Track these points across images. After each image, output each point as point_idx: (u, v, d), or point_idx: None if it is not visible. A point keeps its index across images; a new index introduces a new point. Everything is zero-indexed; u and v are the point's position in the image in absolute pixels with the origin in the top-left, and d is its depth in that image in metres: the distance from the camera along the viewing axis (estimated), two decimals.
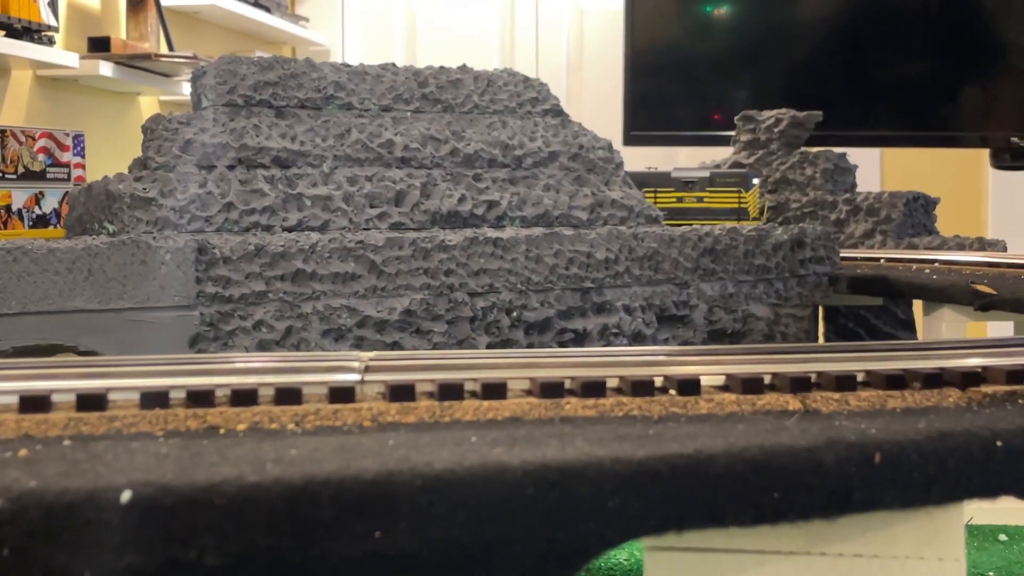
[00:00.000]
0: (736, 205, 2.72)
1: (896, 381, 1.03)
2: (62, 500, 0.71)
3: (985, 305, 2.04)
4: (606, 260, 2.02)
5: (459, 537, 0.76)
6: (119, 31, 3.76)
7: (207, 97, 1.93)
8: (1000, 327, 2.74)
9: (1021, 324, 2.27)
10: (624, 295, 2.05)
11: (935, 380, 1.04)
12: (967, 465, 0.90)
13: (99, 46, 3.42)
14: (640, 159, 3.26)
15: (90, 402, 0.92)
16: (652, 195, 2.76)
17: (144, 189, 1.80)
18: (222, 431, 0.90)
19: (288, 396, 0.94)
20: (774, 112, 2.97)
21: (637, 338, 2.04)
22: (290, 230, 1.86)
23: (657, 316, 2.09)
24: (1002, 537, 1.83)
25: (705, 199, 2.73)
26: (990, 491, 0.92)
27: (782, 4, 3.59)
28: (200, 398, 0.92)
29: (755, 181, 2.78)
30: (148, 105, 4.01)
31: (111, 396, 0.94)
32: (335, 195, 1.91)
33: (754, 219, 2.73)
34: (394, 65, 2.13)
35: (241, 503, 0.73)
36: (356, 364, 1.00)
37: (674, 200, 2.75)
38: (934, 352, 1.11)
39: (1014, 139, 2.99)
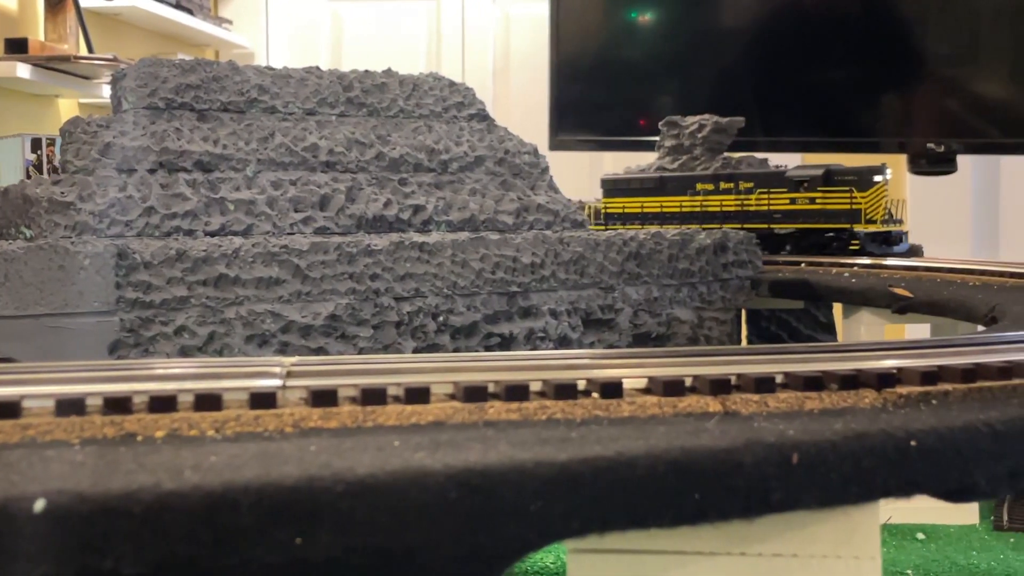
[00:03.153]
0: (848, 207, 2.59)
1: (814, 383, 1.04)
2: None
3: (902, 308, 2.08)
4: (532, 264, 2.03)
5: (381, 542, 0.75)
6: (37, 32, 3.69)
7: (127, 100, 1.91)
8: (917, 329, 2.80)
9: (938, 326, 2.32)
10: (550, 299, 2.06)
11: (852, 381, 1.05)
12: (882, 465, 0.91)
13: (16, 47, 3.36)
14: (566, 163, 3.28)
15: (3, 410, 0.90)
16: (766, 196, 2.69)
17: (62, 193, 1.77)
18: (140, 438, 0.88)
19: (208, 402, 0.93)
20: (697, 118, 3.00)
21: (563, 342, 2.05)
22: (213, 235, 1.84)
23: (583, 320, 2.10)
24: (920, 536, 1.87)
25: (818, 200, 2.61)
26: (905, 490, 0.94)
27: (706, 11, 3.64)
28: (117, 405, 0.91)
29: (878, 179, 2.60)
30: (67, 108, 3.94)
31: (25, 404, 0.92)
32: (259, 199, 1.90)
33: (872, 222, 2.54)
34: (318, 69, 2.12)
35: (159, 511, 0.72)
36: (278, 369, 0.99)
37: (787, 202, 2.65)
38: (851, 354, 1.13)
39: (930, 145, 3.06)
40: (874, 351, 1.14)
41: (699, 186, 2.85)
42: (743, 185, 2.76)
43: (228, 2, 4.95)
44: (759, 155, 3.05)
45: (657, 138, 3.09)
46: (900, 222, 2.71)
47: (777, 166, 2.86)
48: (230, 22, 4.74)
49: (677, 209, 2.87)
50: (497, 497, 0.79)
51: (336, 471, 0.77)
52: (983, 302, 1.89)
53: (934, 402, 1.04)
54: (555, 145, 3.44)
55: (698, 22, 3.60)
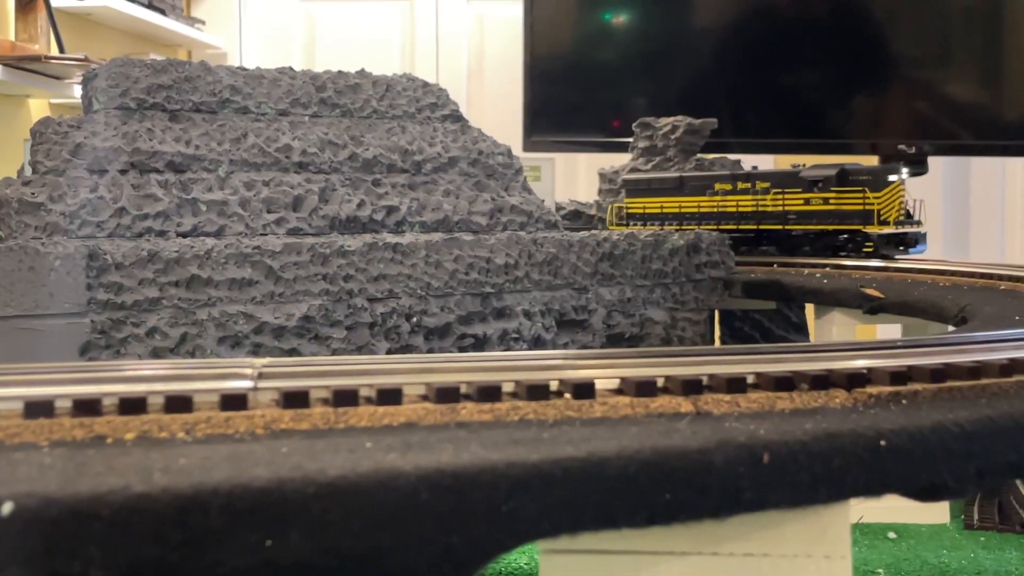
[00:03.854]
0: (861, 207, 2.52)
1: (785, 383, 1.05)
2: None
3: (873, 308, 2.10)
4: (506, 265, 2.03)
5: (352, 545, 0.75)
6: (7, 32, 3.66)
7: (98, 100, 1.89)
8: (888, 329, 2.82)
9: (908, 326, 2.34)
10: (524, 300, 2.06)
11: (822, 382, 1.06)
12: (853, 464, 0.92)
13: None
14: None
15: None
16: (781, 197, 2.64)
17: (33, 194, 1.75)
18: (109, 440, 0.88)
19: (178, 404, 0.92)
20: (671, 119, 3.01)
21: (537, 343, 2.05)
22: (185, 235, 1.83)
23: (556, 321, 2.10)
24: (891, 535, 1.88)
25: (831, 200, 2.54)
26: (875, 489, 0.94)
27: (680, 13, 3.65)
28: (87, 407, 0.90)
29: (893, 178, 2.52)
30: (38, 108, 3.91)
31: None
32: (231, 200, 1.89)
33: (887, 222, 2.47)
34: (291, 69, 2.11)
35: (128, 514, 0.71)
36: (249, 371, 0.99)
37: (801, 203, 2.59)
38: (822, 354, 1.14)
39: (901, 146, 3.08)
40: (845, 351, 1.15)
41: (717, 186, 2.81)
42: (760, 185, 2.72)
43: (201, 2, 4.93)
44: (732, 156, 3.07)
45: (631, 139, 3.10)
46: (919, 223, 2.63)
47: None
48: (203, 22, 4.72)
49: (695, 210, 2.84)
50: (469, 498, 0.79)
51: (307, 473, 0.76)
52: (953, 302, 1.90)
53: (904, 402, 1.05)
54: (529, 146, 3.45)
55: (671, 24, 3.61)
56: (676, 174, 2.94)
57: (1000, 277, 2.14)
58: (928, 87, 3.45)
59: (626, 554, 0.94)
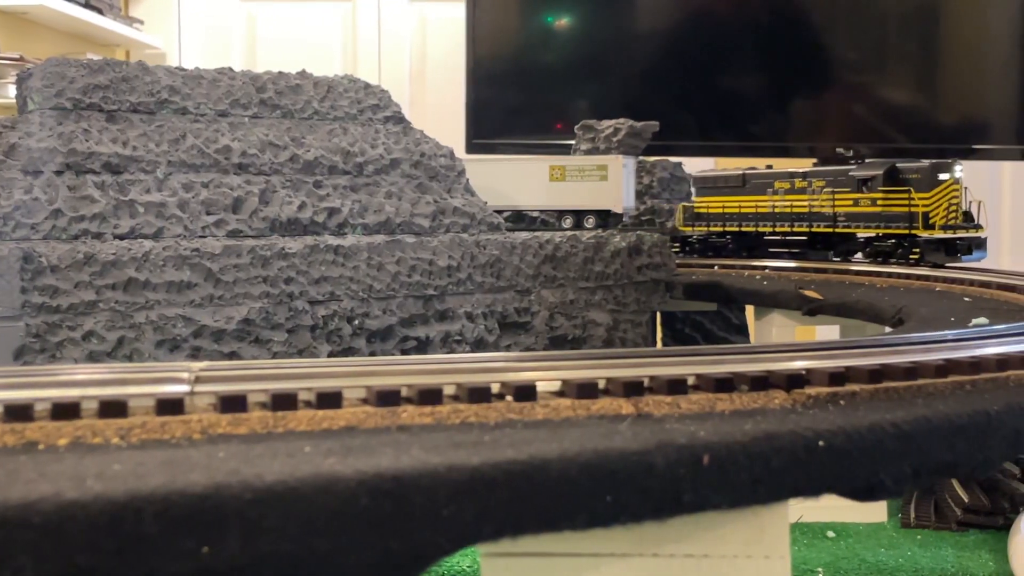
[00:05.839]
0: (906, 209, 2.31)
1: (725, 384, 1.06)
2: None
3: (812, 310, 2.12)
4: (448, 267, 2.02)
5: (291, 550, 0.74)
6: None
7: (33, 100, 1.86)
8: (827, 330, 2.86)
9: (847, 327, 2.37)
10: (466, 302, 2.06)
11: (762, 383, 1.07)
12: (791, 465, 0.93)
13: None
14: None
15: None
16: (831, 197, 2.47)
17: None
18: (41, 446, 0.86)
19: (113, 409, 0.91)
20: (613, 122, 3.02)
21: (479, 345, 2.05)
22: (122, 238, 1.80)
23: (499, 323, 2.10)
24: (830, 534, 1.90)
25: (879, 201, 2.35)
26: (814, 490, 0.95)
27: (622, 17, 3.66)
28: (18, 412, 0.88)
29: (944, 177, 2.29)
30: None
31: None
32: (169, 202, 1.86)
33: (934, 226, 2.26)
34: (231, 69, 2.09)
35: (60, 521, 0.70)
36: (185, 375, 0.98)
37: (851, 203, 2.42)
38: (761, 355, 1.15)
39: (839, 149, 3.12)
40: (784, 352, 1.16)
41: (777, 184, 2.69)
42: (815, 184, 2.57)
43: (139, 2, 4.86)
44: (673, 159, 3.08)
45: (573, 141, 3.11)
46: (978, 227, 2.41)
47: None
48: (141, 22, 4.66)
49: (753, 210, 2.72)
50: (409, 502, 0.78)
51: (244, 478, 0.76)
52: (890, 304, 1.93)
53: (842, 403, 1.06)
54: (471, 148, 3.44)
55: (614, 27, 3.63)
56: (739, 171, 2.82)
57: (936, 279, 2.17)
58: (865, 91, 3.49)
59: (567, 556, 0.94)
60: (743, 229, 2.69)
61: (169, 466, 0.79)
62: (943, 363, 1.16)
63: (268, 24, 4.95)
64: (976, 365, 1.17)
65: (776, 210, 2.67)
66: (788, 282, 2.36)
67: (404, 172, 2.20)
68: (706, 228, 2.86)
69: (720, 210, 2.82)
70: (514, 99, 3.56)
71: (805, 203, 2.60)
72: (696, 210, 2.89)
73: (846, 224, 2.44)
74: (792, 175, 2.69)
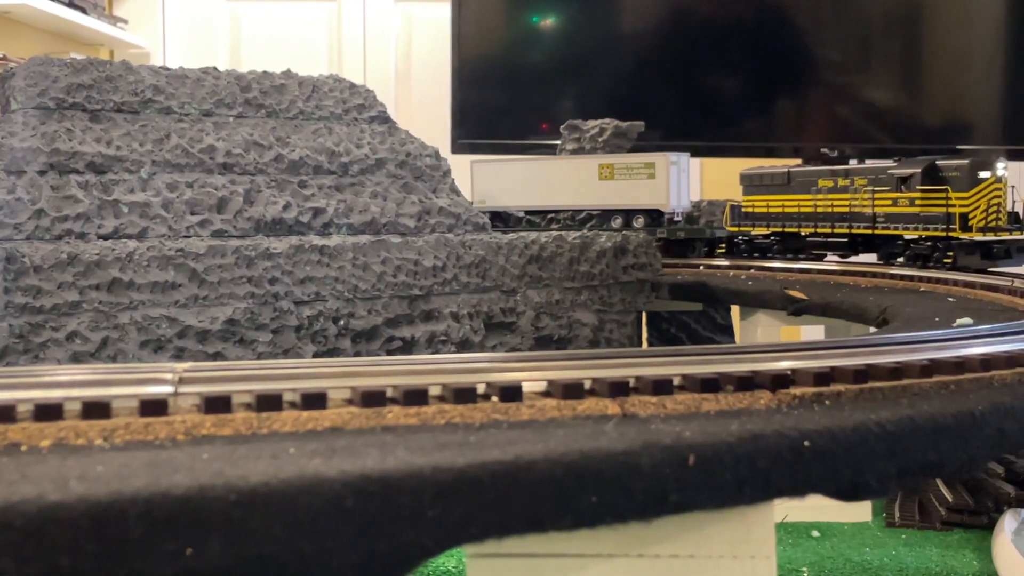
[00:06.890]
0: (943, 209, 2.18)
1: (710, 384, 1.05)
2: None
3: (797, 310, 2.12)
4: (434, 267, 2.02)
5: (275, 552, 0.74)
6: None
7: (16, 100, 1.85)
8: (812, 330, 2.86)
9: (832, 327, 2.37)
10: (452, 302, 2.05)
11: (747, 383, 1.07)
12: (777, 465, 0.93)
13: None
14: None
15: None
16: (870, 196, 2.35)
17: None
18: (24, 448, 0.85)
19: (96, 410, 0.90)
20: (598, 122, 3.02)
21: (465, 345, 2.04)
22: (106, 238, 1.79)
23: (485, 323, 2.10)
24: (815, 533, 1.91)
25: (917, 201, 2.22)
26: (799, 490, 0.95)
27: (607, 17, 3.67)
28: (0, 413, 0.88)
29: (984, 175, 2.13)
30: None
31: None
32: (154, 202, 1.86)
33: (972, 228, 2.12)
34: (216, 69, 2.08)
35: (42, 523, 0.69)
36: (169, 376, 0.97)
37: (889, 203, 2.29)
38: (747, 356, 1.15)
39: (824, 149, 3.12)
40: (769, 352, 1.16)
41: (820, 182, 2.59)
42: (858, 181, 2.46)
43: (123, 1, 4.85)
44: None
45: (559, 142, 3.11)
46: (1022, 229, 2.25)
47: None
48: (125, 21, 4.64)
49: (796, 210, 2.62)
50: (394, 504, 0.78)
51: (228, 480, 0.75)
52: (875, 304, 1.93)
53: (827, 403, 1.06)
54: (457, 148, 3.44)
55: (599, 28, 3.63)
56: (784, 169, 2.74)
57: (920, 279, 2.18)
58: (849, 91, 3.50)
59: (553, 557, 0.93)
60: (786, 229, 2.60)
61: (153, 467, 0.78)
62: (928, 363, 1.16)
63: (253, 23, 4.93)
64: (960, 365, 1.17)
65: (818, 209, 2.58)
66: (773, 282, 2.36)
67: (389, 172, 2.20)
68: (751, 227, 2.77)
69: (765, 209, 2.72)
70: (500, 99, 3.55)
71: (846, 202, 2.49)
72: (744, 209, 2.80)
73: (885, 225, 2.33)
74: (834, 172, 2.58)
